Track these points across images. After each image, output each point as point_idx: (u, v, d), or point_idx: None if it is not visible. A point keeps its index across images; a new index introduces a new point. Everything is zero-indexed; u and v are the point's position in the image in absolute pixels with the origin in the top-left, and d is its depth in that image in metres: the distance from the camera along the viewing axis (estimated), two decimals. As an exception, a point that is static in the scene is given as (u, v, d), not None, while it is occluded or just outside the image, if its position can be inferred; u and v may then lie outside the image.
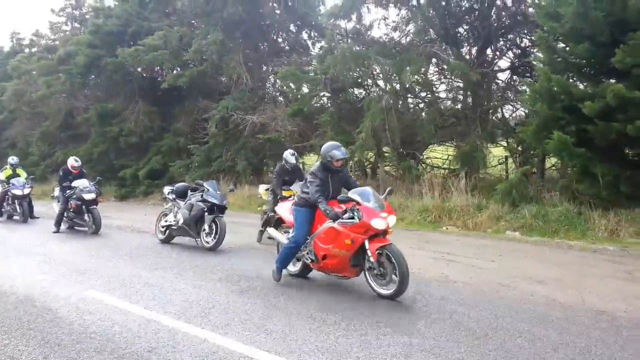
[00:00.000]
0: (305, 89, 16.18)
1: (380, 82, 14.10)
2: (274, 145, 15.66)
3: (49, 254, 8.03)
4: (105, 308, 5.08)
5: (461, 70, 11.44)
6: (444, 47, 12.58)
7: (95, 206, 10.13)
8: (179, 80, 17.16)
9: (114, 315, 4.86)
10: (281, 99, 18.09)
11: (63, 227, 10.51)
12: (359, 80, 14.52)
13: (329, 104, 15.44)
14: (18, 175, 12.58)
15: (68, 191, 10.16)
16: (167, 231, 8.81)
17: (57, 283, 6.13)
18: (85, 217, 10.06)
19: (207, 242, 8.08)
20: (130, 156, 19.33)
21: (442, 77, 13.88)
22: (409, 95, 13.93)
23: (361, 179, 13.74)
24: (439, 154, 14.45)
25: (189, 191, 8.73)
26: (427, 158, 14.50)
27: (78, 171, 10.50)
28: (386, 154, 14.03)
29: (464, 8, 13.79)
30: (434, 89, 14.12)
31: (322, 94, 15.08)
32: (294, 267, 6.13)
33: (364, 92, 15.30)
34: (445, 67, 13.09)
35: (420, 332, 4.21)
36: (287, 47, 18.48)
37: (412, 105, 14.39)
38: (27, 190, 12.20)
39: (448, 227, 10.19)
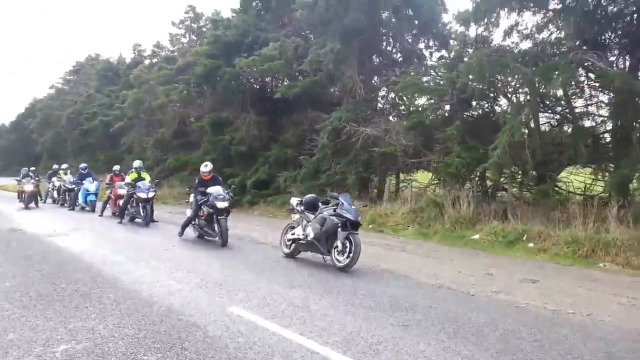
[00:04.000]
0: (420, 101, 15.26)
1: (515, 94, 12.77)
2: (385, 159, 14.85)
3: (178, 261, 7.79)
4: (257, 330, 4.51)
5: (622, 80, 9.86)
6: (594, 55, 11.03)
7: (225, 216, 9.41)
8: (291, 91, 17.01)
9: (270, 340, 4.26)
10: (393, 111, 17.31)
11: (192, 233, 10.26)
12: (487, 92, 13.29)
13: (449, 116, 14.34)
14: (143, 179, 12.76)
15: (201, 198, 9.67)
16: (293, 245, 8.26)
17: (195, 294, 5.73)
18: (215, 227, 9.53)
19: (339, 261, 7.35)
20: (238, 165, 19.40)
21: (590, 89, 12.19)
22: (548, 109, 12.46)
23: (480, 201, 12.31)
24: (579, 177, 12.67)
25: (319, 204, 8.12)
26: (562, 181, 12.77)
27: (208, 177, 9.96)
28: (516, 175, 12.62)
29: (610, 13, 12.15)
30: (578, 102, 12.48)
31: (444, 106, 14.07)
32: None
33: (490, 105, 14.04)
34: (593, 77, 11.52)
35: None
36: (400, 58, 17.70)
37: (549, 121, 12.86)
38: (151, 194, 12.28)
39: (606, 263, 8.68)
